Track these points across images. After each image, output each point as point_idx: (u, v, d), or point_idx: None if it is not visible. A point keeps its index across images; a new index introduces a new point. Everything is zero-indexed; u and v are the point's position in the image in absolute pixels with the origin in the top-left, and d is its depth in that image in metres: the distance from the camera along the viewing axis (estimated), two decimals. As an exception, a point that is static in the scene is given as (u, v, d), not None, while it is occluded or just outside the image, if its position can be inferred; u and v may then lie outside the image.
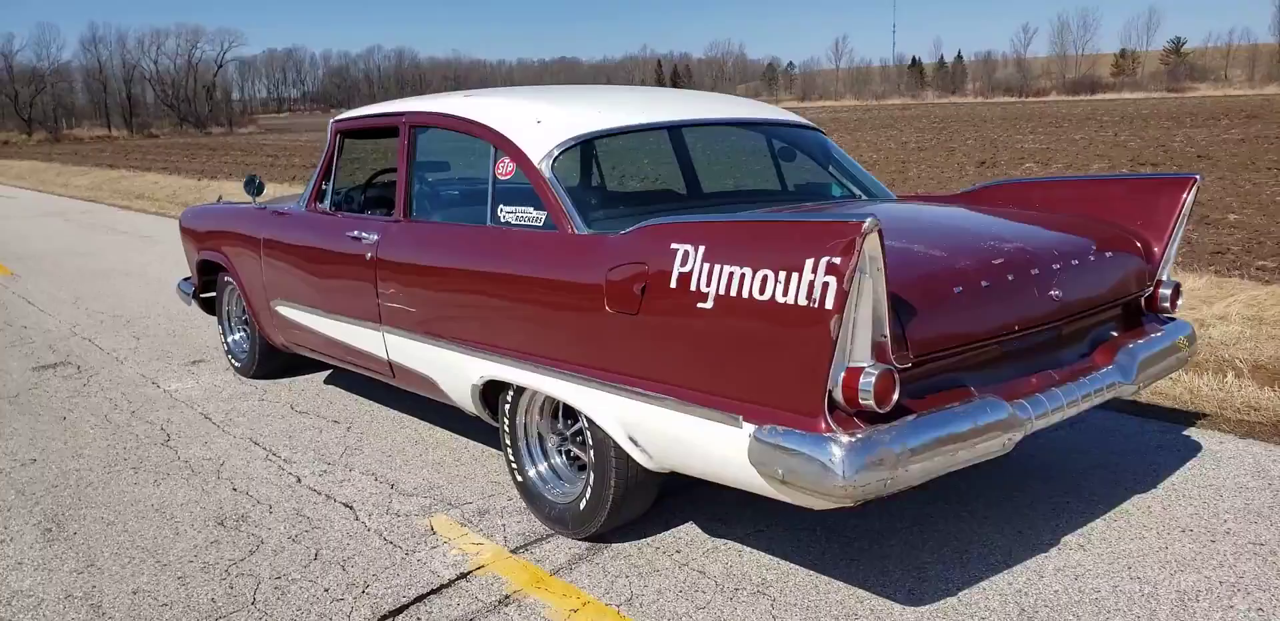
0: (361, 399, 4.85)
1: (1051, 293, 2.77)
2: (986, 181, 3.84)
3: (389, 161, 4.73)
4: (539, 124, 3.30)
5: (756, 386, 2.36)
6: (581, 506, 3.06)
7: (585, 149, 3.26)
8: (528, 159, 3.21)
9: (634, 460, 2.91)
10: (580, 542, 3.14)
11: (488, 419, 3.49)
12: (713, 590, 2.80)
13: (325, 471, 3.87)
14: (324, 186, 4.38)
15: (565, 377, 2.92)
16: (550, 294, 2.95)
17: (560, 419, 3.25)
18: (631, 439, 2.78)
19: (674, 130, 3.50)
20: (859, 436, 2.22)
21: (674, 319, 2.53)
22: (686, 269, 2.48)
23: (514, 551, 3.11)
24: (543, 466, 3.31)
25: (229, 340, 5.45)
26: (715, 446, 2.49)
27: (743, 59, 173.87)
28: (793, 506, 2.45)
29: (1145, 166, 16.34)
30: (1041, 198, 3.47)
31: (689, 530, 3.20)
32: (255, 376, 5.25)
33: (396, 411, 4.62)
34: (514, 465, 3.34)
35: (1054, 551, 2.96)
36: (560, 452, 3.29)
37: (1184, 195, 3.19)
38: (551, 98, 3.60)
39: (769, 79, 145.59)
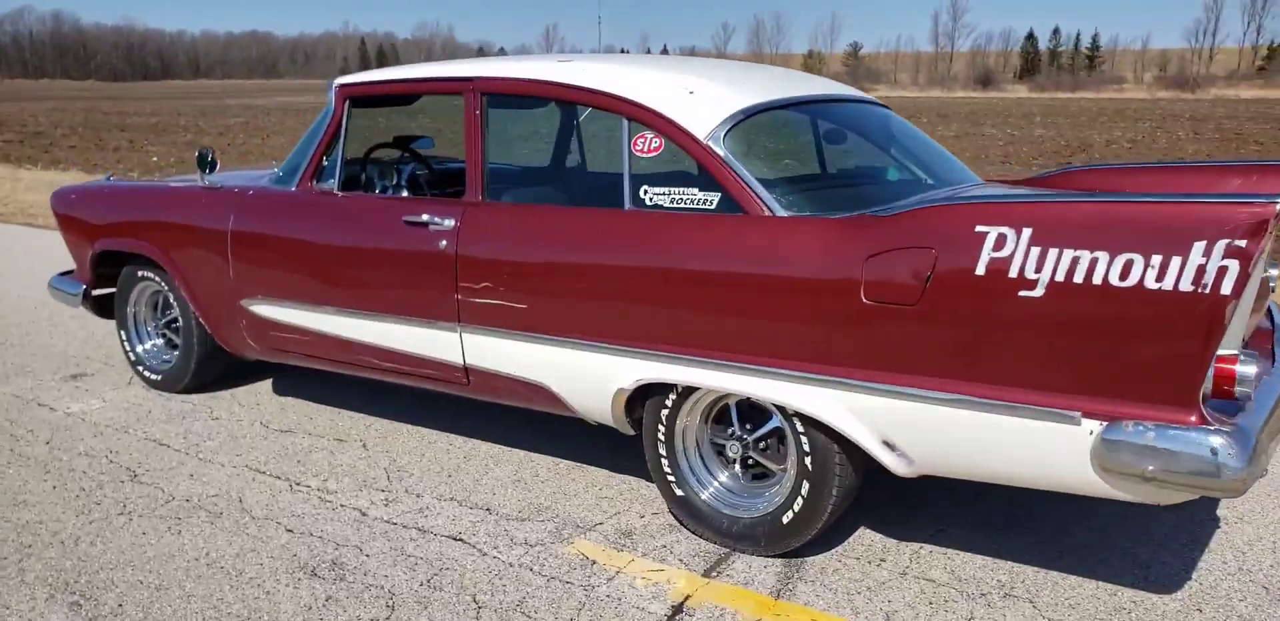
0: (343, 411, 4.16)
1: None
2: (1068, 165, 3.90)
3: (385, 134, 4.11)
4: (692, 95, 2.93)
5: (1104, 380, 2.21)
6: (786, 519, 2.76)
7: (752, 124, 2.93)
8: (690, 135, 2.83)
9: (853, 467, 2.68)
10: (770, 559, 2.85)
11: (623, 428, 3.08)
12: (962, 598, 2.63)
13: (388, 500, 3.25)
14: (324, 162, 3.67)
15: (781, 378, 2.62)
16: (758, 285, 2.63)
17: (737, 424, 2.92)
18: (887, 443, 2.53)
19: (816, 105, 3.24)
20: (1236, 426, 2.14)
21: (980, 309, 2.32)
22: (1003, 254, 2.27)
23: (706, 575, 2.76)
24: (719, 478, 2.97)
25: (139, 349, 4.47)
26: (1031, 446, 2.32)
27: (452, 41, 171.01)
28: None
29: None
30: (1123, 183, 3.55)
31: (868, 536, 3.00)
32: (184, 390, 4.35)
33: (400, 423, 4.00)
34: (670, 478, 2.97)
35: None
36: (737, 462, 2.95)
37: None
38: (674, 66, 3.21)
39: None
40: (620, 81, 3.01)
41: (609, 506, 3.20)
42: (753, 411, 2.90)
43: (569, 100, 3.13)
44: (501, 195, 3.26)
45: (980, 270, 2.30)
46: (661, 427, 2.95)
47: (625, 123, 2.97)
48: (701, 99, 2.92)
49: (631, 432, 3.10)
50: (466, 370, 3.29)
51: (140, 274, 4.30)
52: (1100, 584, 2.70)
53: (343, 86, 3.63)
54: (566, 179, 3.87)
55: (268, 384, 4.53)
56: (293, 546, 2.93)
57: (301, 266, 3.61)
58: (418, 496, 3.29)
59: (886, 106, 3.75)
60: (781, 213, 2.69)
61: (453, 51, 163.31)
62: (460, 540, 2.97)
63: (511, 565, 2.81)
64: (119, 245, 4.24)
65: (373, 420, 4.04)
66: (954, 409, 2.39)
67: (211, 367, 4.31)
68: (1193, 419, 2.14)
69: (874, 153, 3.28)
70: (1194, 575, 2.76)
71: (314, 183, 3.69)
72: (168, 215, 4.06)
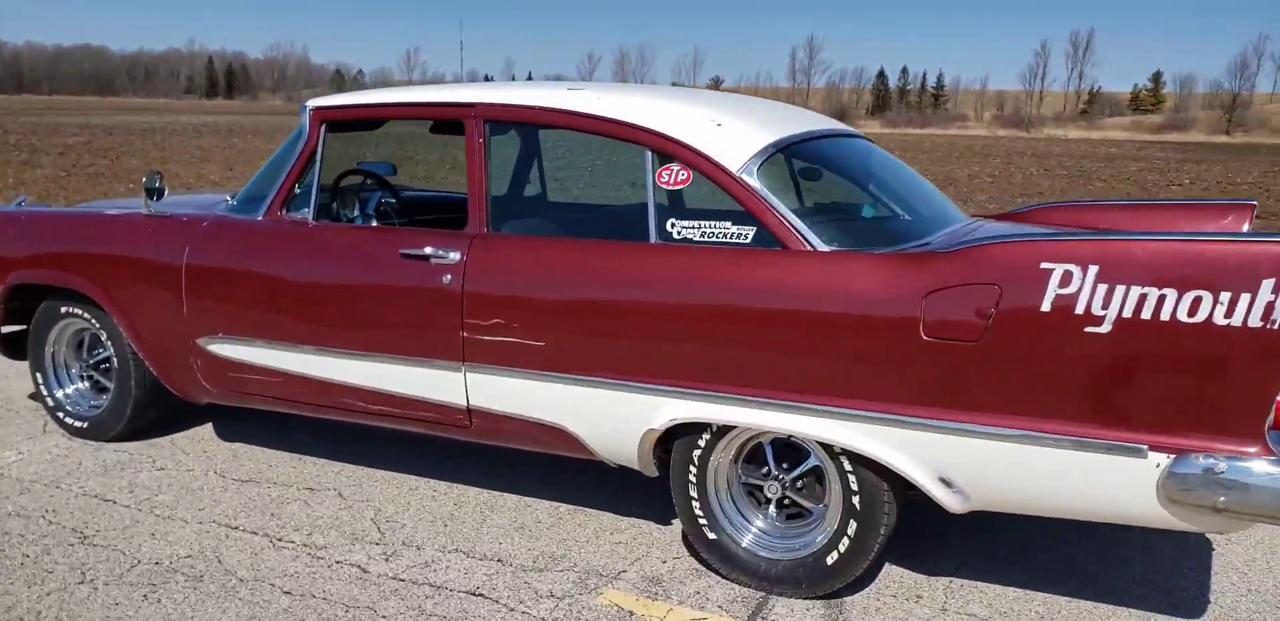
0: (304, 457, 3.87)
1: None
2: (1040, 202, 4.02)
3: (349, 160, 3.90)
4: (720, 127, 2.88)
5: (1170, 414, 2.26)
6: (831, 560, 2.70)
7: (781, 158, 2.89)
8: (722, 167, 2.78)
9: (896, 505, 2.65)
10: (810, 602, 2.78)
11: (647, 470, 2.96)
12: (1011, 633, 2.63)
13: (387, 555, 3.02)
14: (296, 190, 3.43)
15: (830, 416, 2.57)
16: (808, 321, 2.58)
17: (773, 463, 2.84)
18: (944, 479, 2.52)
19: (825, 140, 3.22)
20: None
21: (1045, 346, 2.34)
22: (1069, 291, 2.30)
23: (751, 621, 2.67)
24: (754, 520, 2.88)
25: (59, 393, 4.04)
26: (1096, 480, 2.34)
27: (306, 62, 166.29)
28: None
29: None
30: (1100, 220, 3.71)
31: (895, 572, 2.97)
32: (116, 438, 3.96)
33: (372, 469, 3.75)
34: (702, 522, 2.87)
35: None
36: (772, 503, 2.87)
37: (1246, 222, 3.59)
38: (686, 97, 3.14)
39: (337, 85, 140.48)
40: (644, 112, 2.93)
41: (626, 552, 3.07)
42: (787, 450, 2.84)
43: (585, 130, 3.02)
44: (505, 227, 3.11)
45: (1046, 306, 2.32)
46: (693, 469, 2.85)
47: (649, 154, 2.89)
48: (730, 132, 2.87)
49: (654, 474, 2.99)
50: (469, 412, 3.11)
51: (64, 310, 3.91)
52: (1132, 611, 2.75)
53: (319, 110, 3.41)
54: (576, 210, 3.74)
55: (209, 429, 4.18)
56: (297, 610, 2.67)
57: (273, 303, 3.35)
58: (418, 549, 3.07)
59: (870, 140, 3.80)
60: (822, 247, 2.66)
61: (307, 74, 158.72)
62: (481, 595, 2.78)
63: (544, 620, 2.65)
64: (40, 278, 3.84)
65: (340, 466, 3.77)
66: (1017, 444, 2.40)
67: (149, 412, 3.94)
68: (1255, 450, 2.21)
69: (885, 187, 3.29)
70: (1211, 597, 2.85)
71: (284, 212, 3.44)
72: (106, 246, 3.70)
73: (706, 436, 2.82)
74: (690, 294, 2.72)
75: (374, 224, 3.64)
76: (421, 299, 3.09)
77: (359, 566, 2.94)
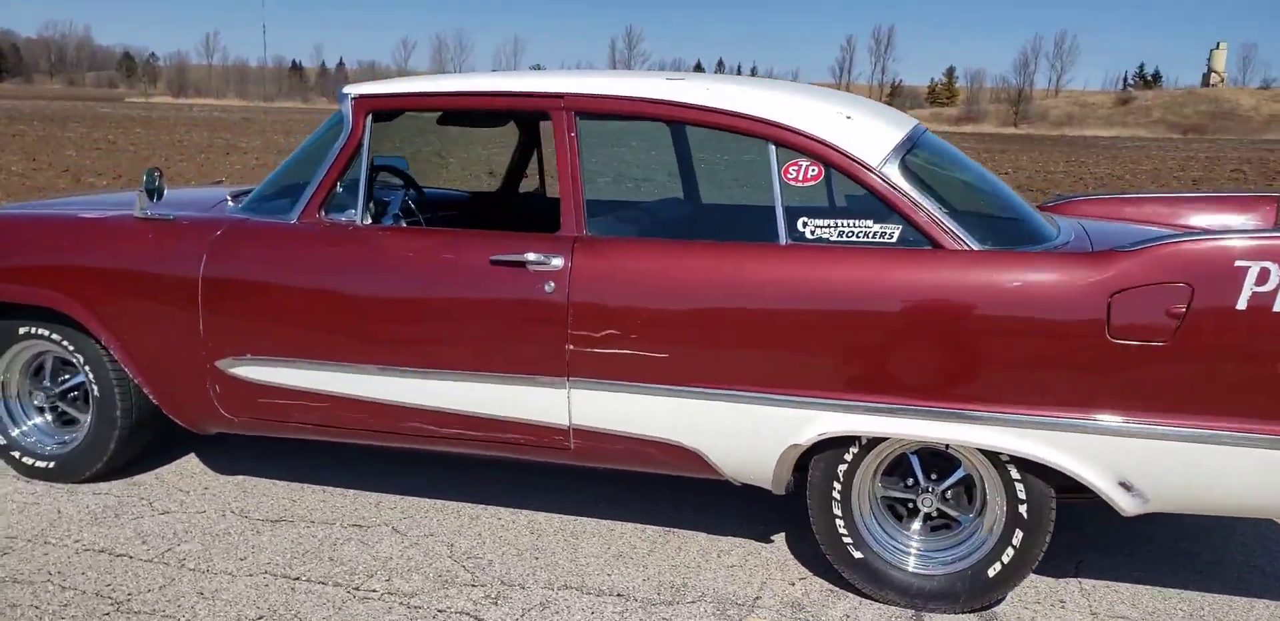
0: (326, 488, 3.43)
1: None
2: (1061, 195, 4.04)
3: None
4: (850, 120, 2.71)
5: None
6: (992, 572, 2.60)
7: (915, 153, 2.74)
8: (861, 163, 2.61)
9: (1055, 511, 2.58)
10: (969, 616, 2.66)
11: (777, 488, 2.76)
12: (1172, 633, 2.61)
13: (493, 598, 2.69)
14: (339, 188, 3.01)
15: (1000, 423, 2.46)
16: (978, 325, 2.46)
17: (921, 475, 2.70)
18: (1123, 483, 2.45)
19: (926, 135, 3.09)
20: None
21: (1241, 344, 2.30)
22: (1266, 289, 2.28)
23: (921, 643, 2.53)
24: (900, 535, 2.73)
25: (13, 430, 3.42)
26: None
27: (89, 43, 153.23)
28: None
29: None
30: (1139, 213, 3.77)
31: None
32: (91, 478, 3.38)
33: (413, 497, 3.36)
34: (847, 541, 2.70)
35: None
36: (919, 517, 2.73)
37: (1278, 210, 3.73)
38: (799, 89, 2.94)
39: (127, 69, 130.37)
40: (767, 105, 2.71)
41: (746, 576, 2.86)
42: (933, 460, 2.71)
43: (695, 123, 2.78)
44: (605, 229, 2.83)
45: (1242, 305, 2.29)
46: (837, 485, 2.68)
47: (773, 149, 2.68)
48: (860, 125, 2.71)
49: (782, 493, 2.80)
50: (570, 432, 2.81)
51: (23, 331, 3.30)
52: (1269, 603, 2.79)
53: (365, 98, 2.99)
54: (679, 209, 3.45)
55: (194, 461, 3.65)
56: (432, 674, 2.33)
57: (321, 318, 2.92)
58: (522, 588, 2.76)
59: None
60: (977, 246, 2.54)
61: (91, 56, 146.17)
62: (624, 638, 2.52)
63: (710, 661, 2.42)
64: (3, 295, 3.22)
65: (375, 496, 3.37)
66: (1208, 445, 2.36)
67: (133, 447, 3.40)
68: None
69: (986, 183, 3.15)
70: (1320, 582, 2.93)
71: (323, 213, 3.01)
72: (90, 256, 3.13)
73: (854, 450, 2.65)
74: (841, 299, 2.54)
75: (403, 224, 3.26)
76: (516, 309, 2.76)
77: (471, 615, 2.60)
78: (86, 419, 3.37)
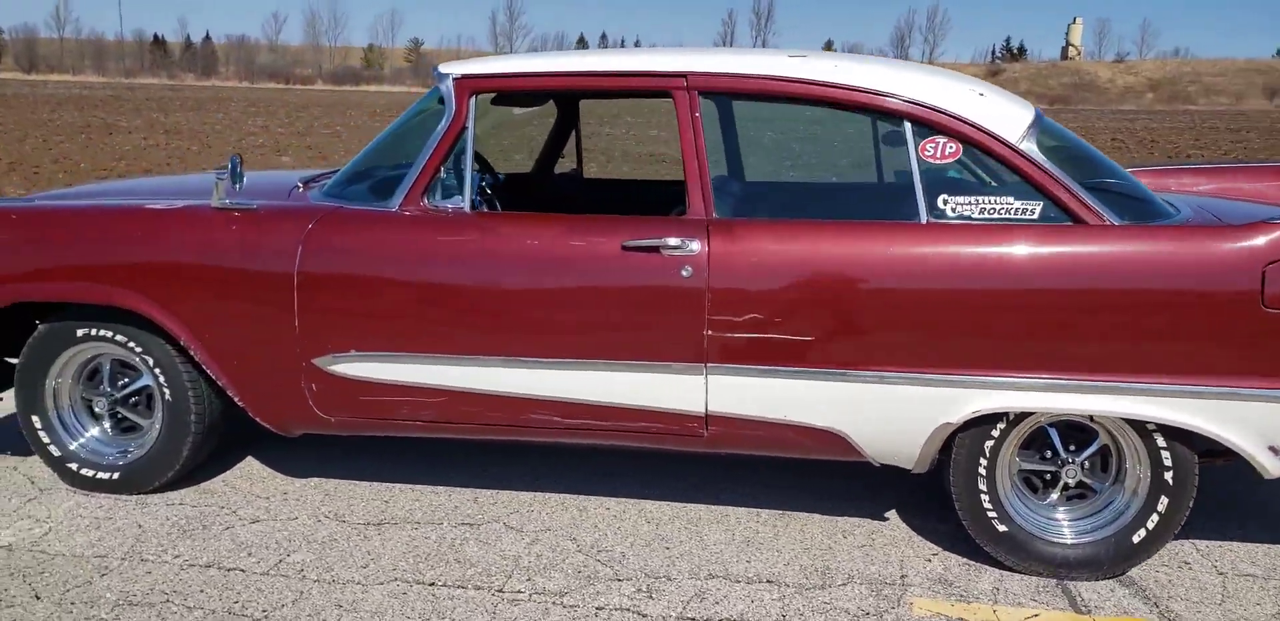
0: (409, 486, 3.28)
1: None
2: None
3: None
4: (983, 97, 2.71)
5: None
6: (1137, 538, 2.68)
7: (1043, 131, 2.75)
8: (1000, 139, 2.63)
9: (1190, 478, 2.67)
10: (1109, 582, 2.74)
11: (920, 467, 2.77)
12: (1298, 587, 2.74)
13: (645, 591, 2.63)
14: (442, 174, 2.86)
15: (1153, 394, 2.53)
16: (1130, 299, 2.51)
17: (1060, 446, 2.75)
18: (1273, 448, 2.54)
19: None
20: None
21: None
22: None
23: (1082, 611, 2.58)
24: (1042, 506, 2.78)
25: (70, 440, 3.15)
26: None
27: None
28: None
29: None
30: (1179, 185, 3.88)
31: (1135, 540, 3.00)
32: (160, 487, 3.15)
33: (510, 490, 3.25)
34: (991, 515, 2.73)
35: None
36: (1056, 488, 2.78)
37: None
38: (921, 68, 2.91)
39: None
40: (902, 82, 2.69)
41: (880, 556, 2.88)
42: (1070, 431, 2.77)
43: (825, 101, 2.73)
44: (735, 211, 2.77)
45: (1395, 273, 2.40)
46: (983, 461, 2.71)
47: (910, 126, 2.67)
48: (994, 102, 2.72)
49: (920, 471, 2.81)
50: (707, 418, 2.76)
51: (82, 332, 3.03)
52: (1365, 552, 2.95)
53: (468, 79, 2.84)
54: (807, 190, 3.37)
55: (253, 464, 3.44)
56: (627, 674, 2.26)
57: (435, 310, 2.78)
58: (670, 580, 2.70)
59: None
60: (1117, 221, 2.59)
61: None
62: (797, 624, 2.50)
63: (891, 642, 2.43)
64: (60, 294, 2.95)
65: (470, 492, 3.24)
66: (1358, 409, 2.47)
67: (203, 452, 3.18)
68: None
69: (1096, 158, 3.16)
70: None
71: (426, 200, 2.85)
72: (166, 250, 2.89)
73: (1001, 426, 2.68)
74: (992, 277, 2.56)
75: (484, 209, 3.12)
76: (651, 296, 2.69)
77: (633, 612, 2.54)
78: (151, 425, 3.15)
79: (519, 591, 2.63)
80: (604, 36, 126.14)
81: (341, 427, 3.00)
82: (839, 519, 3.11)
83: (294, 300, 2.83)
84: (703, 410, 2.75)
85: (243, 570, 2.71)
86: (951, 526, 3.02)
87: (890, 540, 2.97)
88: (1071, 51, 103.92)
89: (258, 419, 3.01)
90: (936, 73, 2.86)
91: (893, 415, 2.67)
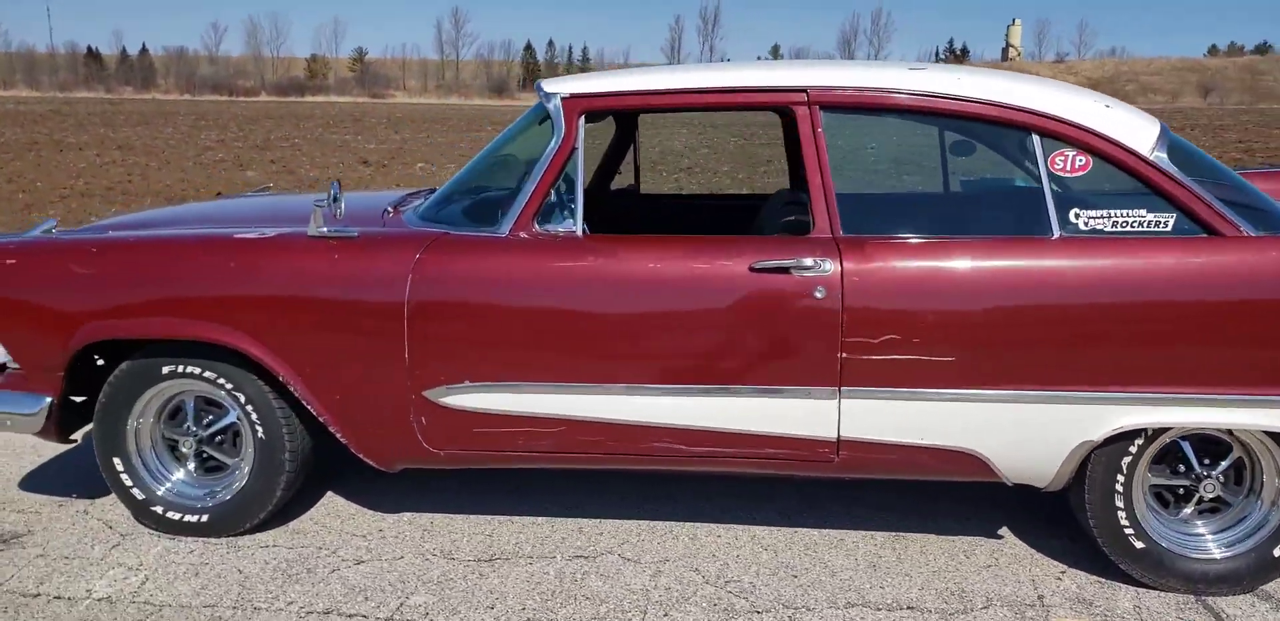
0: (508, 518, 3.17)
1: None
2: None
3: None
4: (1109, 109, 2.69)
5: None
6: (1278, 551, 2.66)
7: (1170, 141, 2.72)
8: (1132, 151, 2.60)
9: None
10: (1251, 597, 2.71)
11: (1054, 486, 2.73)
12: None
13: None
14: (553, 197, 2.76)
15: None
16: (1267, 312, 2.50)
17: (1195, 460, 2.72)
18: None
19: None
20: None
21: None
22: None
23: (1227, 628, 2.56)
24: (1175, 522, 2.75)
25: (155, 483, 2.99)
26: None
27: None
28: None
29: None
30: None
31: (1251, 550, 2.99)
32: (251, 529, 3.00)
33: (614, 519, 3.15)
34: (1129, 532, 2.70)
35: None
36: (1189, 502, 2.76)
37: None
38: (1039, 80, 2.87)
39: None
40: (1026, 95, 2.65)
41: (1009, 575, 2.83)
42: (1203, 445, 2.75)
43: (947, 114, 2.69)
44: (860, 228, 2.70)
45: None
46: (1120, 478, 2.67)
47: (1037, 139, 2.63)
48: (1120, 114, 2.69)
49: (1053, 490, 2.77)
50: (838, 444, 2.70)
51: (167, 370, 2.88)
52: None
53: (578, 98, 2.75)
54: (927, 204, 3.29)
55: (337, 501, 3.30)
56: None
57: (559, 337, 2.69)
58: (809, 610, 2.63)
59: None
60: (1253, 232, 2.58)
61: None
62: (958, 652, 2.44)
63: (1055, 667, 2.38)
64: (149, 330, 2.80)
65: (572, 523, 3.13)
66: None
67: (294, 489, 3.04)
68: None
69: (1226, 172, 3.12)
70: None
71: (537, 224, 2.76)
72: (263, 283, 2.76)
73: (1139, 442, 2.65)
74: (1133, 291, 2.53)
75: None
76: (782, 318, 2.62)
77: (787, 644, 2.47)
78: (238, 464, 3.00)
79: None
80: (550, 43, 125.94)
81: (450, 461, 2.88)
82: (955, 538, 3.06)
83: (404, 331, 2.71)
84: (834, 435, 2.69)
85: (364, 616, 2.58)
86: (1065, 542, 3.01)
87: (1013, 558, 2.93)
88: (1012, 52, 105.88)
89: (360, 455, 2.89)
90: (1058, 85, 2.84)
91: (1032, 434, 2.63)
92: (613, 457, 2.82)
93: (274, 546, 2.97)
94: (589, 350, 2.69)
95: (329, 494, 3.35)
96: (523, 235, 2.75)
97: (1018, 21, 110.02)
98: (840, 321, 2.60)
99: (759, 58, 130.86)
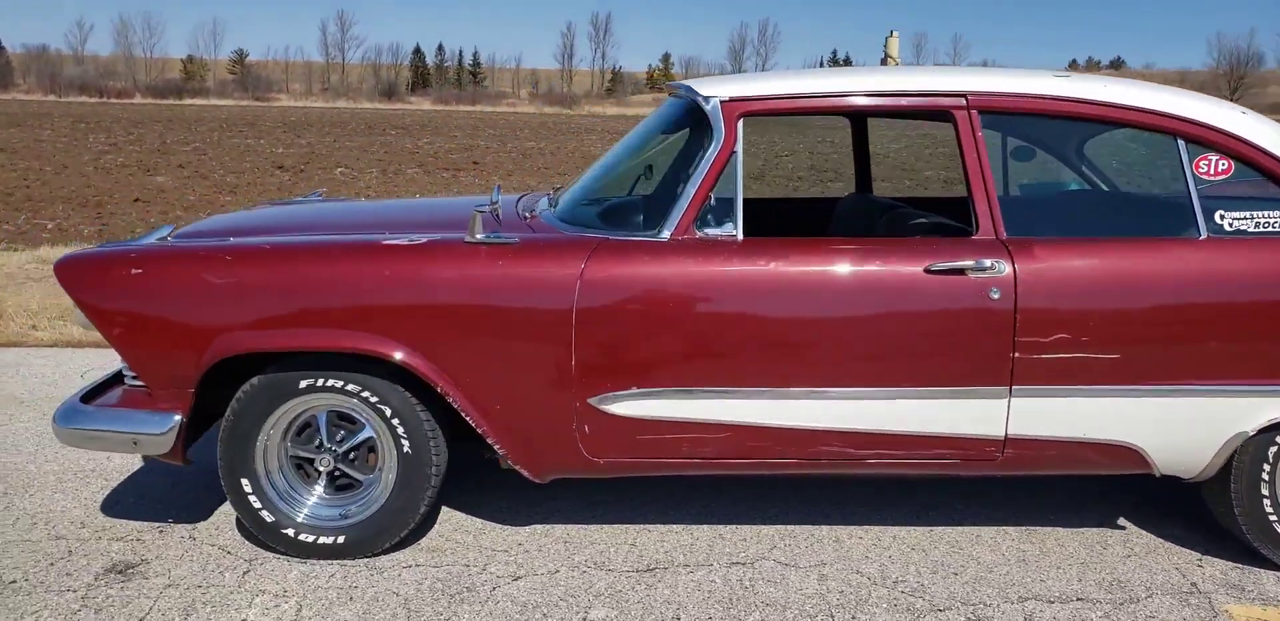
0: (643, 527, 3.11)
1: None
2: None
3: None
4: (1245, 115, 2.82)
5: None
6: None
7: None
8: (1272, 155, 2.75)
9: None
10: (1369, 573, 2.88)
11: (1203, 477, 2.83)
12: None
13: (978, 618, 2.58)
14: (712, 201, 2.73)
15: None
16: None
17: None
18: None
19: None
20: None
21: None
22: None
23: (1371, 605, 2.71)
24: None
25: (292, 504, 2.82)
26: None
27: None
28: None
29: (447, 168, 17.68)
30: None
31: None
32: (389, 548, 2.86)
33: (751, 525, 3.13)
34: (1273, 518, 2.82)
35: None
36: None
37: None
38: (1172, 89, 2.98)
39: None
40: (1169, 102, 2.77)
41: (1154, 564, 2.92)
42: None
43: (1096, 119, 2.78)
44: (1021, 229, 2.76)
45: None
46: (1267, 467, 2.80)
47: (1182, 144, 2.75)
48: (1257, 120, 2.83)
49: (1201, 480, 2.87)
50: (1005, 442, 2.74)
51: (304, 384, 2.72)
52: None
53: (737, 101, 2.72)
54: (1083, 204, 3.32)
55: (458, 516, 3.17)
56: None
57: (731, 342, 2.66)
58: (987, 606, 2.66)
59: None
60: (1386, 232, 2.74)
61: None
62: (1148, 640, 2.51)
63: (1242, 650, 2.47)
64: (293, 342, 2.64)
65: (709, 530, 3.09)
66: None
67: (431, 505, 2.91)
68: None
69: None
70: None
71: (697, 228, 2.72)
72: (424, 291, 2.63)
73: (1281, 435, 2.79)
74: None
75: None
76: (956, 319, 2.66)
77: (985, 641, 2.49)
78: (372, 481, 2.86)
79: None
80: (440, 47, 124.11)
81: (608, 470, 2.81)
82: (1084, 531, 3.15)
83: (572, 338, 2.63)
84: (1002, 434, 2.74)
85: (555, 632, 2.50)
86: (1180, 530, 3.13)
87: (1146, 548, 3.04)
88: (890, 63, 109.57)
89: (516, 465, 2.79)
90: (1194, 94, 2.96)
91: (1191, 427, 2.73)
92: (778, 463, 2.80)
93: (417, 565, 2.84)
94: (759, 355, 2.67)
95: (443, 509, 3.22)
96: (685, 239, 2.71)
97: (895, 34, 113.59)
98: (1013, 321, 2.65)
99: (650, 66, 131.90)
